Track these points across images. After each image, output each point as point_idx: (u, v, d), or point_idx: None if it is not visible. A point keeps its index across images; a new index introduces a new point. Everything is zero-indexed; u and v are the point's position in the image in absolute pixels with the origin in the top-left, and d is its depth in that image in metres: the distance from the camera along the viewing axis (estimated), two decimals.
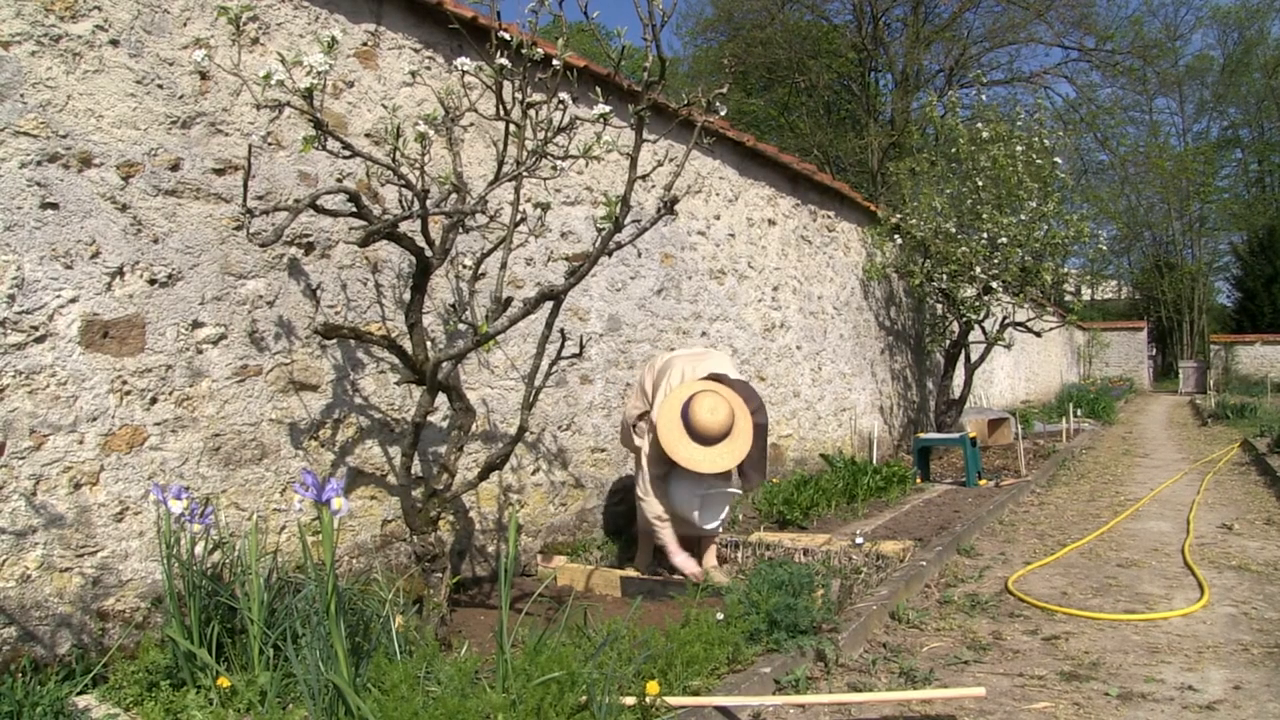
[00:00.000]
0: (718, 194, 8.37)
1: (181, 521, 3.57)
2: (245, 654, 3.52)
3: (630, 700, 3.27)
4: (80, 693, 3.42)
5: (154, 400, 3.98)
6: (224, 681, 3.30)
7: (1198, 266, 51.97)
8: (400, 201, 4.44)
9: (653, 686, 3.27)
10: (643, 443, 5.74)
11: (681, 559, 5.59)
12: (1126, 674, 4.21)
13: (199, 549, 3.77)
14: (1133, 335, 45.17)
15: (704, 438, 5.31)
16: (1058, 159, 12.77)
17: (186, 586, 3.55)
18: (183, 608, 3.55)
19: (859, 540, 6.26)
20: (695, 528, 5.54)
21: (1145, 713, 3.75)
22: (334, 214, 4.20)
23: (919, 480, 10.21)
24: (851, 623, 4.57)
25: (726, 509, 5.64)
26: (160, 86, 4.05)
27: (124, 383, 3.88)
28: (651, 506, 5.59)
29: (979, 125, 12.67)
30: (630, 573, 5.51)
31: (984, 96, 14.72)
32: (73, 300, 3.72)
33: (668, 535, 5.62)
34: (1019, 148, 12.23)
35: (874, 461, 10.24)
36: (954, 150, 12.81)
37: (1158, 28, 46.11)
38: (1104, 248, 14.21)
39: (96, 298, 3.80)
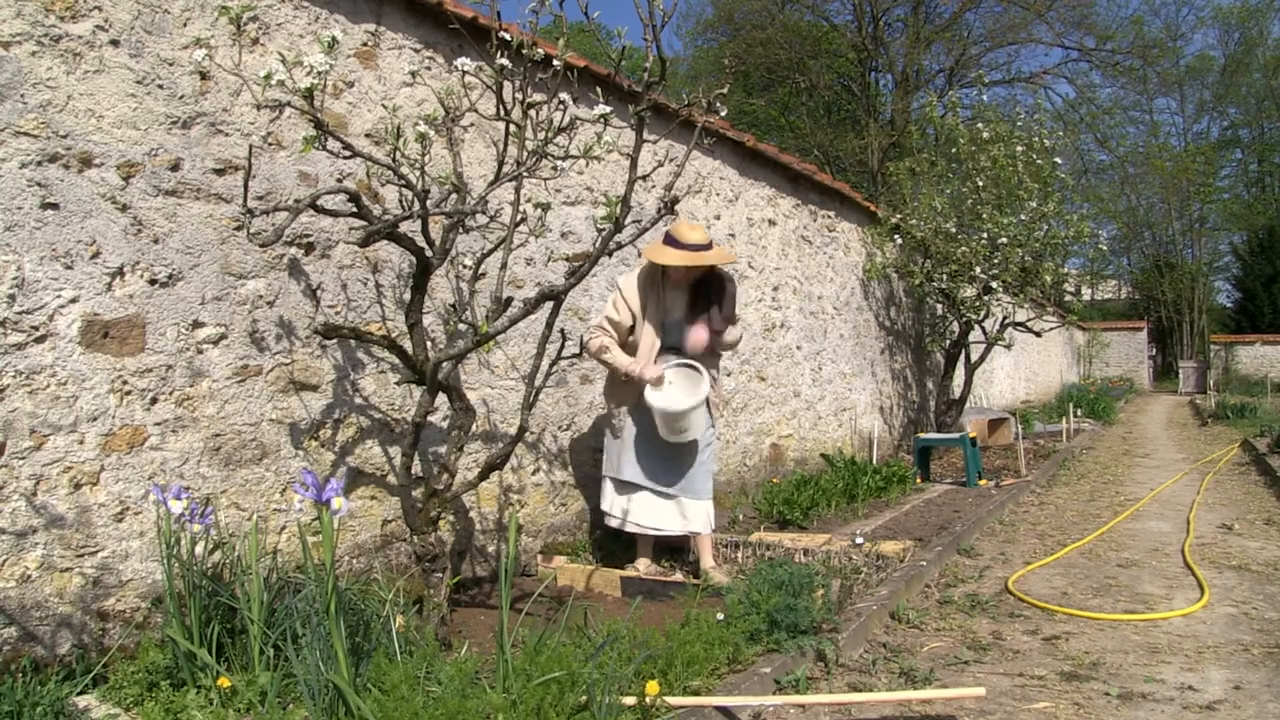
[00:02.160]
0: (718, 194, 8.37)
1: (182, 521, 3.58)
2: (245, 654, 3.52)
3: (630, 700, 3.27)
4: (80, 693, 3.42)
5: (154, 400, 3.99)
6: (224, 681, 3.30)
7: (1197, 266, 52.03)
8: (400, 202, 4.44)
9: (653, 686, 3.27)
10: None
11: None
12: (1127, 674, 4.21)
13: (199, 549, 3.77)
14: (1133, 335, 45.21)
15: (684, 244, 5.45)
16: (1058, 159, 12.78)
17: (187, 586, 3.55)
18: (183, 608, 3.55)
19: (859, 540, 6.25)
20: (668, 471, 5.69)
21: (1145, 713, 3.76)
22: (334, 214, 4.20)
23: (919, 480, 10.21)
24: (851, 623, 4.57)
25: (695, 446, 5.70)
26: (161, 87, 4.05)
27: (124, 383, 3.88)
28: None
29: (979, 125, 12.67)
30: (630, 573, 5.51)
31: (984, 96, 14.78)
32: (73, 300, 3.72)
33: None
34: (1019, 148, 12.23)
35: (874, 461, 10.24)
36: (954, 150, 12.81)
37: (1158, 28, 46.29)
38: (1104, 248, 14.21)
39: (97, 298, 3.80)
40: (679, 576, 5.53)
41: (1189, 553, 6.62)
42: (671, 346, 5.67)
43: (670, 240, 5.45)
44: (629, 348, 5.66)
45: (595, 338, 5.67)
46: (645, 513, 5.72)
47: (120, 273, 3.88)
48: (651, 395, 5.46)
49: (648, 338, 5.60)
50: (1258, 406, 21.18)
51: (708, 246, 5.47)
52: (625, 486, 5.76)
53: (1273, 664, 4.32)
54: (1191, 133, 53.60)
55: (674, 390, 5.52)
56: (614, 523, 5.82)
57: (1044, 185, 12.43)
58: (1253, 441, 14.09)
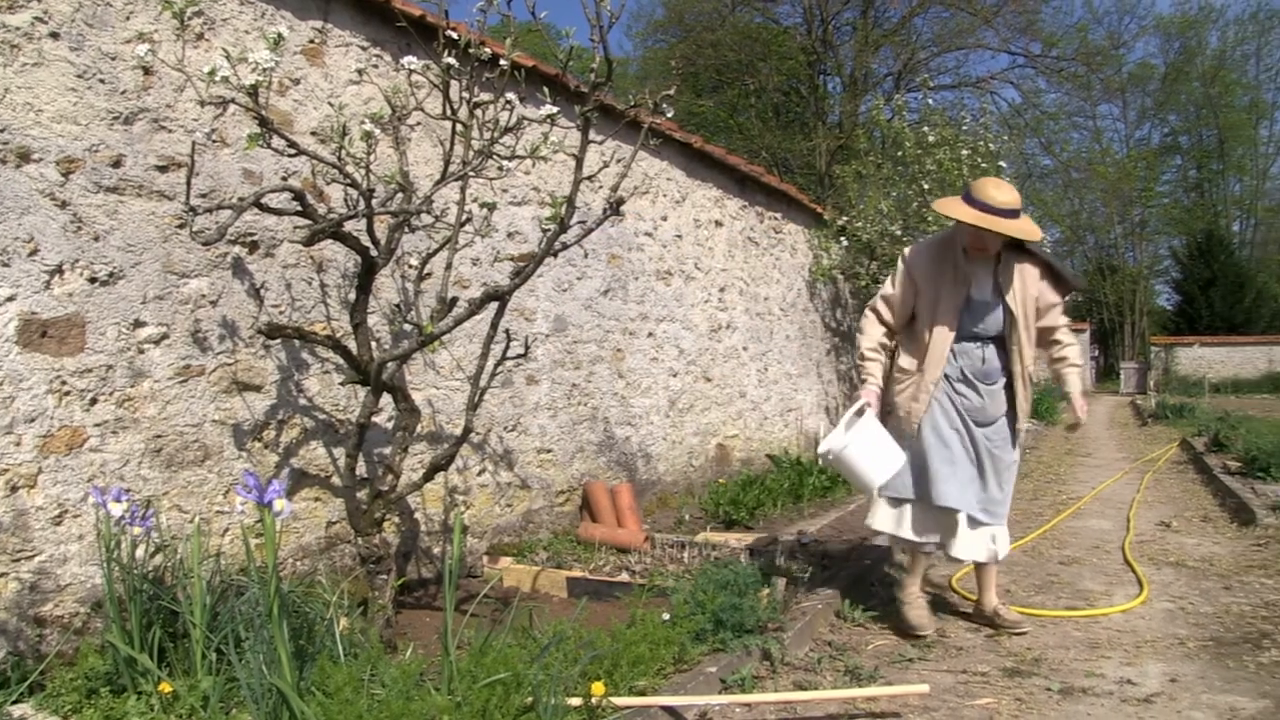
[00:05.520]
0: (665, 195, 8.39)
1: (122, 524, 3.52)
2: (188, 658, 3.48)
3: (576, 701, 3.26)
4: (15, 701, 3.36)
5: (94, 401, 3.93)
6: (166, 687, 3.26)
7: (1139, 270, 53.00)
8: (346, 200, 4.41)
9: (598, 687, 3.27)
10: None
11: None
12: (1068, 669, 4.27)
13: (140, 552, 3.71)
14: (1075, 337, 45.77)
15: (985, 205, 4.51)
16: (1003, 163, 12.94)
17: (127, 590, 3.50)
18: (123, 612, 3.50)
19: (805, 540, 6.29)
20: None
21: (1086, 707, 3.82)
22: (279, 213, 4.17)
23: None
24: (797, 622, 4.60)
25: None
26: (102, 81, 3.99)
27: (63, 383, 3.82)
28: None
29: (925, 129, 12.81)
30: (577, 573, 5.51)
31: (931, 100, 14.90)
32: (10, 299, 3.66)
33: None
34: (964, 151, 12.38)
35: (820, 462, 10.29)
36: (900, 154, 12.93)
37: (1102, 35, 46.98)
38: (1047, 250, 14.40)
39: (35, 296, 3.74)
40: (626, 578, 5.53)
41: (1129, 550, 6.72)
42: (974, 335, 4.75)
43: (969, 198, 4.58)
44: (915, 337, 4.84)
45: (867, 332, 4.90)
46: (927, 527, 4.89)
47: (59, 270, 3.82)
48: (834, 435, 4.64)
49: (942, 319, 4.73)
50: (1196, 407, 21.54)
51: (1014, 214, 4.53)
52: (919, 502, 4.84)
53: (1207, 657, 4.41)
54: (1133, 139, 54.74)
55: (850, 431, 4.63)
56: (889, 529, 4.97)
57: None
58: (1191, 441, 14.34)
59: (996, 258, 4.71)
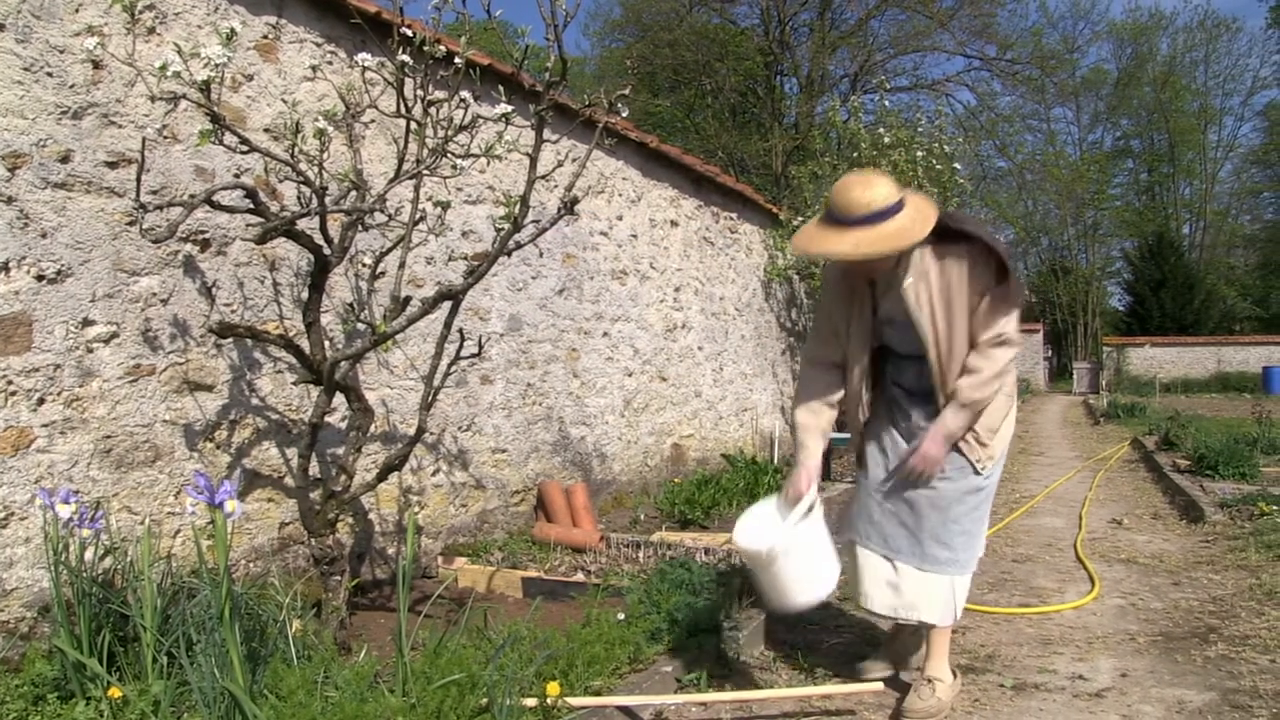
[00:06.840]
0: (621, 195, 8.39)
1: (70, 526, 3.46)
2: (138, 663, 3.43)
3: (532, 701, 3.26)
4: None
5: (41, 401, 3.87)
6: (115, 692, 3.21)
7: (1091, 271, 53.79)
8: (299, 198, 4.37)
9: (553, 687, 3.27)
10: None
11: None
12: (1021, 665, 4.32)
13: (89, 555, 3.65)
14: (1029, 337, 46.37)
15: (836, 216, 3.42)
16: (957, 165, 13.05)
17: (76, 594, 3.44)
18: (72, 616, 3.44)
19: None
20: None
21: (1038, 703, 3.86)
22: (231, 210, 4.12)
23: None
24: (752, 621, 4.61)
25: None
26: (50, 75, 3.93)
27: (9, 383, 3.76)
28: None
29: (881, 130, 12.89)
30: (532, 573, 5.49)
31: (887, 102, 14.99)
32: None
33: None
34: (920, 153, 12.47)
35: (775, 461, 10.33)
36: (856, 155, 13.00)
37: (1056, 40, 47.72)
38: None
39: None
40: (580, 578, 5.52)
41: (1081, 547, 6.80)
42: (909, 354, 3.77)
43: (826, 213, 3.48)
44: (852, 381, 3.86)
45: (799, 391, 3.91)
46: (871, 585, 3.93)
47: (5, 268, 3.75)
48: (743, 525, 3.72)
49: (854, 347, 3.79)
50: (1147, 406, 21.86)
51: (877, 217, 3.34)
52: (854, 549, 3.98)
53: (1157, 651, 4.47)
54: (1086, 142, 55.63)
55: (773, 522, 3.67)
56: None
57: (943, 190, 12.67)
58: (1142, 440, 14.53)
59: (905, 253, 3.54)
